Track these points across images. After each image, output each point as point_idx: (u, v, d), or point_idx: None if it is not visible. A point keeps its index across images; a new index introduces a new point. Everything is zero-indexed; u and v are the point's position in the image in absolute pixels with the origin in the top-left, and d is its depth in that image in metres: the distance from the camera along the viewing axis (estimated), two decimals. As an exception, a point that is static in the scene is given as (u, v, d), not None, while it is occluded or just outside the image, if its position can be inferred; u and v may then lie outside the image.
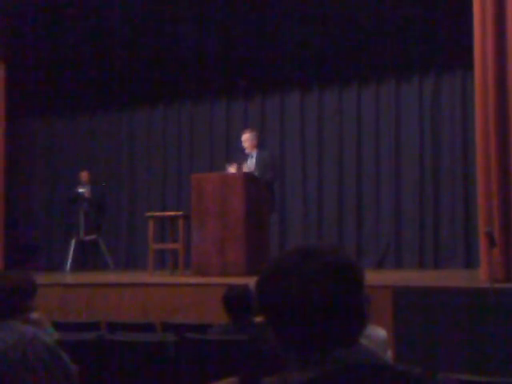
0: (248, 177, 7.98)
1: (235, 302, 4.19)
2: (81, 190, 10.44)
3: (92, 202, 10.46)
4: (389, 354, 4.29)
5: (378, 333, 4.16)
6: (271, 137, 10.55)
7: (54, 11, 11.05)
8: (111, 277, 9.00)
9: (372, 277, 7.45)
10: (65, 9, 11.00)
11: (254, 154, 8.34)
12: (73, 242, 10.24)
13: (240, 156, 8.44)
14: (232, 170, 8.01)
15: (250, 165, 8.26)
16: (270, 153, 8.70)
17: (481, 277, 6.53)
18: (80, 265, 10.31)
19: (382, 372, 1.34)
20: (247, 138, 8.40)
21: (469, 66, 7.52)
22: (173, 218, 8.73)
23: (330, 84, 10.30)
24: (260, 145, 8.54)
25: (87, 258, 10.47)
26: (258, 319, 4.14)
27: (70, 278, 9.35)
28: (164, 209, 10.43)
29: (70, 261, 10.16)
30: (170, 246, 8.76)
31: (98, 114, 11.52)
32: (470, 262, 9.00)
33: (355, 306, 1.35)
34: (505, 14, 6.56)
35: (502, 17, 6.56)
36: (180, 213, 8.67)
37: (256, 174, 8.10)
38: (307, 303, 1.31)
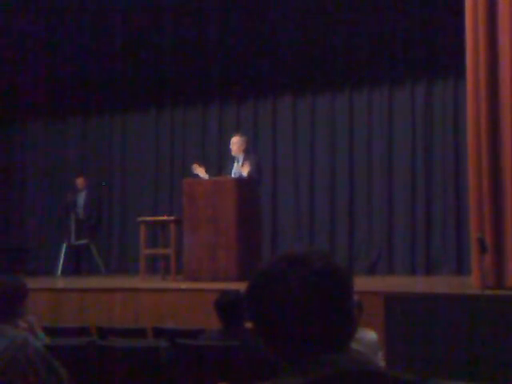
0: (240, 182, 7.98)
1: (227, 307, 4.18)
2: (74, 196, 10.45)
3: (86, 208, 10.45)
4: (380, 355, 4.40)
5: (368, 335, 4.31)
6: (263, 141, 10.56)
7: (49, 15, 11.05)
8: (102, 282, 8.96)
9: (364, 283, 7.45)
10: (59, 12, 11.00)
11: (241, 158, 8.31)
12: (64, 247, 10.20)
13: (228, 161, 8.43)
14: (199, 171, 8.13)
15: (235, 169, 8.24)
16: (256, 156, 8.64)
17: (472, 283, 6.54)
18: (71, 269, 10.28)
19: (373, 378, 1.34)
20: (235, 142, 8.34)
21: (461, 72, 7.55)
22: (164, 223, 8.71)
23: (323, 89, 10.31)
24: (247, 150, 8.48)
25: (79, 263, 10.44)
26: (250, 325, 4.13)
27: (61, 282, 9.32)
28: (156, 214, 10.40)
29: (61, 265, 10.12)
30: (162, 251, 8.74)
31: (90, 118, 11.50)
32: (462, 269, 9.01)
33: (344, 311, 1.35)
34: (496, 21, 6.59)
35: (494, 24, 6.59)
36: (172, 218, 8.65)
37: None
38: (296, 310, 1.31)
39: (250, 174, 8.06)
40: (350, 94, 10.17)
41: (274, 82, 10.56)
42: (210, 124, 10.89)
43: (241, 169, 8.15)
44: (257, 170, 8.32)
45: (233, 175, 8.19)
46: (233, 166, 8.30)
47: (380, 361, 4.35)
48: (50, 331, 4.65)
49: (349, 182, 10.08)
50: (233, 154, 8.33)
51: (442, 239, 9.54)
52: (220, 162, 9.90)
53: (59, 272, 10.07)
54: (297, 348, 1.33)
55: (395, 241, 9.79)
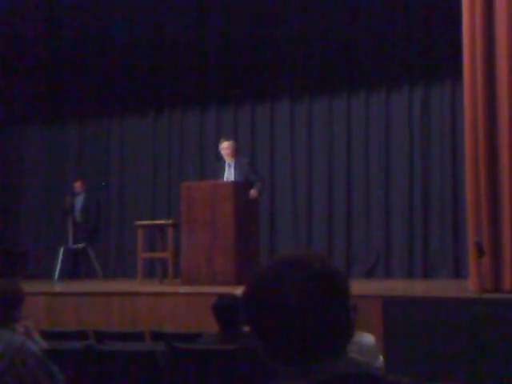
0: (238, 185, 7.97)
1: (225, 311, 4.18)
2: (72, 199, 10.44)
3: (84, 211, 10.43)
4: (380, 359, 4.31)
5: (366, 339, 4.19)
6: (261, 145, 10.56)
7: (47, 19, 11.05)
8: (100, 285, 8.95)
9: (361, 286, 7.45)
10: (57, 17, 11.00)
11: (232, 163, 8.21)
12: (61, 251, 10.18)
13: (218, 166, 8.38)
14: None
15: (228, 175, 8.19)
16: (246, 159, 8.57)
17: (470, 287, 6.54)
18: (69, 273, 10.26)
19: (372, 381, 1.33)
20: (227, 146, 8.20)
21: (458, 76, 7.56)
22: (162, 227, 8.70)
23: (320, 93, 10.32)
24: (237, 154, 8.42)
25: (76, 267, 10.42)
26: (248, 328, 4.12)
27: (58, 286, 9.30)
28: (154, 217, 10.39)
29: (58, 269, 10.10)
30: (160, 254, 8.73)
31: (88, 121, 11.49)
32: (460, 272, 9.01)
33: (341, 315, 1.34)
34: (493, 24, 6.60)
35: (491, 27, 6.60)
36: (169, 221, 8.65)
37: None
38: (293, 313, 1.31)
39: (258, 188, 8.04)
40: (348, 98, 10.17)
41: (272, 86, 10.56)
42: (208, 128, 10.88)
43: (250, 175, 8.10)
44: (254, 173, 8.28)
45: (225, 180, 8.15)
46: (224, 171, 8.23)
47: (379, 364, 4.26)
48: (48, 335, 4.64)
49: (346, 186, 10.08)
50: (225, 159, 8.24)
51: (439, 243, 9.54)
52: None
53: (57, 276, 10.05)
54: (295, 352, 1.33)
55: (393, 244, 9.79)
